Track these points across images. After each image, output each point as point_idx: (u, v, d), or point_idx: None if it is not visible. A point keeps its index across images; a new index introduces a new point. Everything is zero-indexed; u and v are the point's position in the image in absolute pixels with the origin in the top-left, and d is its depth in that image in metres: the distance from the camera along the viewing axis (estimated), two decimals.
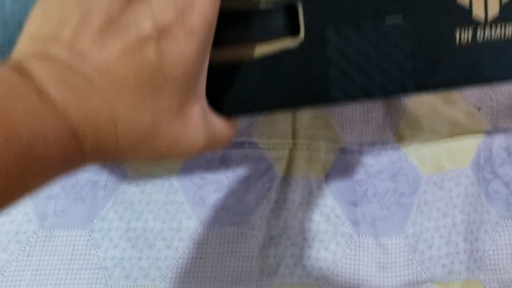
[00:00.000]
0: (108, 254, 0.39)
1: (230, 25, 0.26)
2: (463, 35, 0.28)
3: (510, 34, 0.28)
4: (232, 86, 0.27)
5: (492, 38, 0.28)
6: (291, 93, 0.27)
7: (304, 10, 0.26)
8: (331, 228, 0.41)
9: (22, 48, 0.21)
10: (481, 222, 0.41)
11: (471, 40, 0.28)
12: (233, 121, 0.27)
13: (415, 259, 0.41)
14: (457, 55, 0.28)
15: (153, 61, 0.20)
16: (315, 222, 0.42)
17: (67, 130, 0.19)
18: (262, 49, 0.27)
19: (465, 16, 0.28)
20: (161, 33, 0.20)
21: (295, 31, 0.27)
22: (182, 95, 0.22)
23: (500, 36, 0.28)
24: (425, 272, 0.40)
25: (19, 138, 0.17)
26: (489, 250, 0.40)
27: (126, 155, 0.21)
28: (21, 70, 0.19)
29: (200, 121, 0.23)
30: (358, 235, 0.41)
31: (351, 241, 0.41)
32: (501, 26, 0.28)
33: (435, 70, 0.28)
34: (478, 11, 0.28)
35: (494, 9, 0.28)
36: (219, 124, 0.26)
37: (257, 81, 0.27)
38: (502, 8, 0.28)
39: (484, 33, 0.28)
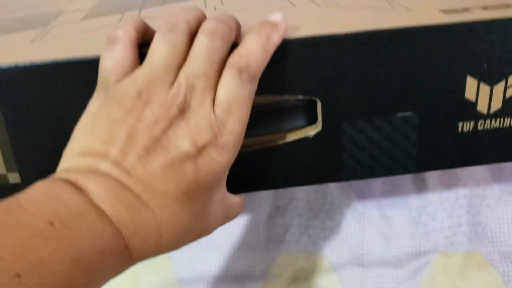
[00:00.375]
0: None
1: (258, 122, 0.28)
2: (466, 125, 0.31)
3: (508, 124, 0.31)
4: (249, 168, 0.29)
5: (492, 127, 0.31)
6: (304, 175, 0.30)
7: (323, 105, 0.28)
8: (336, 200, 0.42)
9: (71, 163, 0.23)
10: (484, 196, 0.42)
11: (473, 128, 0.31)
12: (241, 196, 0.29)
13: (418, 231, 0.42)
14: (458, 142, 0.31)
15: (191, 175, 0.23)
16: (321, 193, 0.43)
17: (120, 244, 0.21)
18: (284, 139, 0.29)
19: (470, 110, 0.30)
20: (198, 152, 0.23)
21: (313, 121, 0.29)
22: (211, 194, 0.25)
23: (500, 125, 0.31)
24: (427, 243, 0.41)
25: (83, 257, 0.20)
26: (491, 223, 0.41)
27: (165, 251, 0.24)
28: (77, 187, 0.21)
29: (220, 204, 0.26)
30: (363, 207, 0.42)
31: (356, 213, 0.42)
32: (501, 118, 0.30)
33: (436, 155, 0.31)
34: (482, 106, 0.30)
35: (497, 104, 0.30)
36: (233, 202, 0.28)
37: (274, 165, 0.30)
38: (504, 103, 0.30)
39: (485, 123, 0.31)
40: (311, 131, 0.29)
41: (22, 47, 0.29)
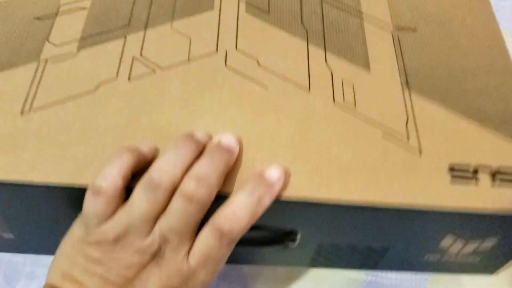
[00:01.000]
0: None
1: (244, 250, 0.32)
2: (432, 258, 0.34)
3: (471, 262, 0.34)
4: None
5: (456, 261, 0.34)
6: (283, 262, 0.36)
7: (302, 235, 0.31)
8: None
9: (56, 281, 0.25)
10: None
11: (437, 260, 0.34)
12: None
13: None
14: (420, 264, 0.35)
15: None
16: None
17: None
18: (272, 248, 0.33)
19: (441, 251, 0.33)
20: None
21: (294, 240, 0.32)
22: None
23: (463, 261, 0.34)
24: None
25: None
26: None
27: None
28: None
29: None
30: None
31: None
32: (466, 258, 0.34)
33: (396, 267, 0.36)
34: (453, 250, 0.33)
35: (468, 250, 0.32)
36: None
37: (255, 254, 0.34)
38: (474, 251, 0.33)
39: (449, 259, 0.34)
40: (291, 245, 0.32)
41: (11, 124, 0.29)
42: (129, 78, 0.31)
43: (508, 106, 0.32)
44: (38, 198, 0.28)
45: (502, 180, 0.29)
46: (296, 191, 0.27)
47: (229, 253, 0.26)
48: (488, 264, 0.35)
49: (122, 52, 0.32)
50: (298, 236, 0.32)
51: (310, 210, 0.28)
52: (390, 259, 0.34)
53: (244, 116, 0.30)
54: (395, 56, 0.33)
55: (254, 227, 0.31)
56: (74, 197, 0.27)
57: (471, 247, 0.32)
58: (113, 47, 0.32)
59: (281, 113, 0.30)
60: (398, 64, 0.33)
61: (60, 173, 0.26)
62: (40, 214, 0.29)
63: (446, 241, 0.31)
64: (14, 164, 0.27)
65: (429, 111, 0.31)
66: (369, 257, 0.34)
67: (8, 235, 0.32)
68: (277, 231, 0.31)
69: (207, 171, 0.25)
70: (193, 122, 0.29)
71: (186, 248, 0.25)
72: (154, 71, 0.31)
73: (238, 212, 0.25)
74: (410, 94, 0.32)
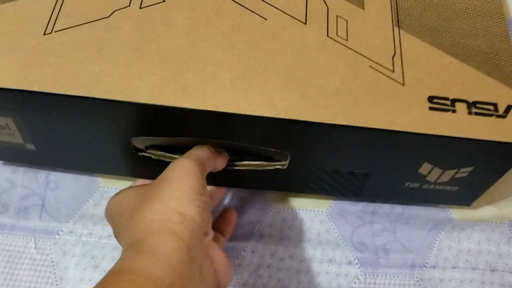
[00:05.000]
0: None
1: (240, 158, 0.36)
2: (412, 185, 0.37)
3: (449, 189, 0.37)
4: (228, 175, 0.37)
5: (435, 188, 0.37)
6: (273, 185, 0.40)
7: (291, 157, 0.35)
8: None
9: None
10: None
11: (417, 187, 0.37)
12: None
13: None
14: (403, 191, 0.38)
15: None
16: None
17: None
18: (263, 167, 0.37)
19: (420, 179, 0.36)
20: None
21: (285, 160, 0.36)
22: None
23: (441, 188, 0.37)
24: None
25: None
26: None
27: None
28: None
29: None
30: None
31: None
32: (444, 186, 0.37)
33: (379, 195, 0.40)
34: (431, 178, 0.35)
35: (445, 179, 0.35)
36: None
37: (249, 175, 0.38)
38: (452, 179, 0.35)
39: (429, 186, 0.37)
40: (280, 166, 0.36)
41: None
42: (140, 6, 0.34)
43: (492, 46, 0.34)
44: (57, 108, 0.31)
45: (478, 110, 0.31)
46: (286, 114, 0.30)
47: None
48: (466, 195, 0.38)
49: None
50: (288, 160, 0.35)
51: (298, 132, 0.31)
52: (372, 186, 0.37)
53: (243, 44, 0.32)
54: None
55: (248, 153, 0.35)
56: (88, 109, 0.31)
57: (448, 175, 0.35)
58: None
59: (277, 43, 0.33)
60: (391, 4, 0.35)
61: (77, 86, 0.30)
62: (60, 125, 0.33)
63: (424, 169, 0.34)
64: (37, 77, 0.30)
65: (416, 48, 0.33)
66: (352, 183, 0.37)
67: (30, 146, 0.36)
68: (268, 157, 0.35)
69: None
70: (196, 48, 0.32)
71: None
72: (164, 0, 0.34)
73: None
74: (399, 32, 0.34)
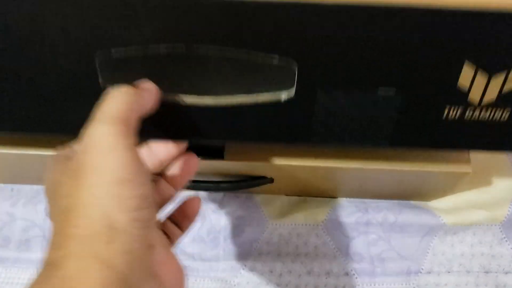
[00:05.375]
0: None
1: (231, 80, 0.28)
2: (452, 112, 0.29)
3: (497, 118, 0.29)
4: (219, 121, 0.29)
5: (480, 118, 0.29)
6: (273, 133, 0.30)
7: (299, 71, 0.27)
8: None
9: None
10: None
11: (459, 117, 0.29)
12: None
13: None
14: (440, 127, 0.30)
15: None
16: None
17: None
18: (257, 99, 0.29)
19: (461, 98, 0.28)
20: None
21: (288, 86, 0.28)
22: None
23: (487, 118, 0.29)
24: None
25: None
26: None
27: None
28: None
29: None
30: None
31: None
32: (491, 111, 0.29)
33: (414, 135, 0.30)
34: (474, 95, 0.28)
35: (491, 95, 0.28)
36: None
37: (242, 120, 0.29)
38: (500, 96, 0.28)
39: (473, 114, 0.29)
40: (284, 96, 0.29)
41: None
42: None
43: None
44: None
45: None
46: None
47: None
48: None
49: None
50: (294, 82, 0.28)
51: (311, 22, 0.25)
52: (404, 127, 0.30)
53: None
54: None
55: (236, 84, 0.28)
56: None
57: (495, 85, 0.28)
58: None
59: None
60: None
61: None
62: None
63: (465, 77, 0.27)
64: None
65: None
66: (377, 126, 0.30)
67: None
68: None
69: None
70: None
71: None
72: None
73: None
74: None
